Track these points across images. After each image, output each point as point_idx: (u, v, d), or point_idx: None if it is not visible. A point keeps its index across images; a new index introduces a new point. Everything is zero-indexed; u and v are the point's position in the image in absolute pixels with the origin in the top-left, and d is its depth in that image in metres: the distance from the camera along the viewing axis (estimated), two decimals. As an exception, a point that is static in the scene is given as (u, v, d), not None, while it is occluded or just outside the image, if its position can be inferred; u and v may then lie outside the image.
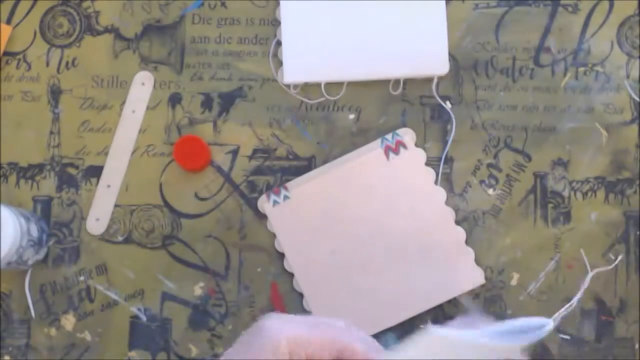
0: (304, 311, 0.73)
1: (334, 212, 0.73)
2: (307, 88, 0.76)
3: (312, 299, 0.73)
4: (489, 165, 0.75)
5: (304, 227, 0.73)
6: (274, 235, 0.74)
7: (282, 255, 0.74)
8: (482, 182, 0.75)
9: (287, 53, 0.75)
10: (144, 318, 0.74)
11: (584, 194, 0.75)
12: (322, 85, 0.75)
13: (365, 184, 0.74)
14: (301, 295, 0.73)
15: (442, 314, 0.73)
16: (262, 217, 0.74)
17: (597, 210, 0.75)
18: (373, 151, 0.74)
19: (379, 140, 0.74)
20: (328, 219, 0.73)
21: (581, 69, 0.76)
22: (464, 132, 0.75)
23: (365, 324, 0.72)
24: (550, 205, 0.75)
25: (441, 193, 0.74)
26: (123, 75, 0.76)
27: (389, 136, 0.74)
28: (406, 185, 0.74)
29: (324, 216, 0.73)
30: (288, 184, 0.74)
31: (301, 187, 0.74)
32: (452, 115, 0.75)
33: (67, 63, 0.76)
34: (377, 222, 0.73)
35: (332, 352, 0.48)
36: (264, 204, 0.74)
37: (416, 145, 0.75)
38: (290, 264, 0.73)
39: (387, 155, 0.74)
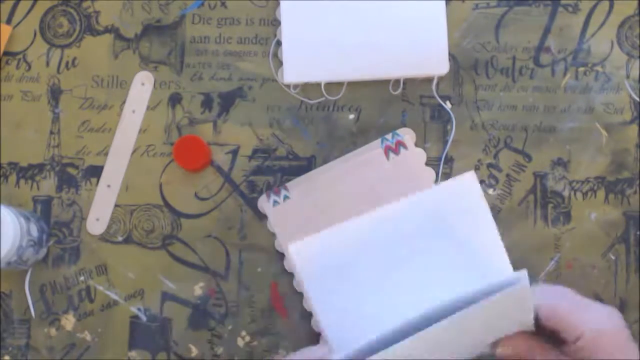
0: (304, 311, 0.73)
1: (334, 212, 0.73)
2: (307, 88, 0.76)
3: None
4: (489, 165, 0.75)
5: (304, 227, 0.73)
6: (274, 235, 0.74)
7: (282, 255, 0.74)
8: (482, 182, 0.75)
9: (287, 53, 0.75)
10: (144, 318, 0.74)
11: (584, 194, 0.75)
12: (322, 85, 0.75)
13: (365, 184, 0.74)
14: (301, 295, 0.73)
15: (442, 314, 0.73)
16: (262, 217, 0.74)
17: (597, 210, 0.75)
18: (373, 151, 0.74)
19: (379, 140, 0.74)
20: (328, 218, 0.73)
21: (581, 69, 0.76)
22: (464, 132, 0.75)
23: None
24: (550, 205, 0.75)
25: (441, 193, 0.74)
26: (123, 75, 0.76)
27: (388, 136, 0.74)
28: (406, 185, 0.74)
29: (324, 216, 0.73)
30: (288, 184, 0.74)
31: (301, 187, 0.74)
32: (452, 115, 0.75)
33: (67, 63, 0.76)
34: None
35: None
36: (264, 204, 0.74)
37: (416, 145, 0.75)
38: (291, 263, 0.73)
39: (387, 155, 0.74)
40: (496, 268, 0.55)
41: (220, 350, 0.73)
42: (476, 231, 0.55)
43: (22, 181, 0.75)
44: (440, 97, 0.76)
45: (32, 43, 0.76)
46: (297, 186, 0.74)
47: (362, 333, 0.53)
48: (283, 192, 0.74)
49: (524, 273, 0.51)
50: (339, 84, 0.76)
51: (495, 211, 0.74)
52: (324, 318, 0.56)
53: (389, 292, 0.56)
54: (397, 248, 0.56)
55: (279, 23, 0.76)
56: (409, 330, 0.51)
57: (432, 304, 0.53)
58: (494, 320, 0.53)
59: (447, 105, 0.76)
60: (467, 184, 0.55)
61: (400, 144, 0.74)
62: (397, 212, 0.56)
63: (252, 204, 0.75)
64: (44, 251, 0.74)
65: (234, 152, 0.75)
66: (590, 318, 0.55)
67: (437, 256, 0.55)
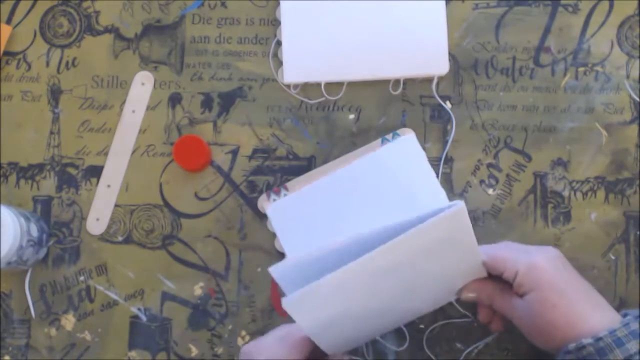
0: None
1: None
2: (307, 88, 0.76)
3: None
4: (489, 165, 0.75)
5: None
6: (274, 235, 0.74)
7: (282, 255, 0.74)
8: (482, 182, 0.75)
9: (287, 53, 0.75)
10: (144, 318, 0.74)
11: (584, 194, 0.75)
12: (322, 85, 0.75)
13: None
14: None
15: (442, 313, 0.73)
16: (262, 217, 0.74)
17: (597, 210, 0.75)
18: (373, 151, 0.74)
19: (379, 140, 0.74)
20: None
21: (581, 69, 0.76)
22: (464, 132, 0.75)
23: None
24: (550, 205, 0.75)
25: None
26: (123, 75, 0.76)
27: (389, 136, 0.74)
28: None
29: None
30: (288, 184, 0.74)
31: (301, 187, 0.74)
32: (452, 115, 0.75)
33: (67, 63, 0.76)
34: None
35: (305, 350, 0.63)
36: (264, 203, 0.74)
37: (416, 145, 0.75)
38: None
39: (387, 155, 0.74)
40: (434, 200, 0.70)
41: (220, 350, 0.73)
42: (417, 176, 0.69)
43: (22, 181, 0.75)
44: (440, 97, 0.75)
45: (32, 43, 0.76)
46: (297, 186, 0.74)
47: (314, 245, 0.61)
48: (283, 192, 0.74)
49: (459, 201, 0.59)
50: (339, 84, 0.76)
51: (495, 211, 0.74)
52: (289, 248, 0.71)
53: (342, 222, 0.70)
54: (351, 195, 0.71)
55: (279, 23, 0.76)
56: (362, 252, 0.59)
57: (378, 224, 0.60)
58: (440, 246, 0.60)
59: (447, 105, 0.75)
60: (408, 142, 0.72)
61: (400, 144, 0.74)
62: (350, 170, 0.72)
63: (252, 204, 0.75)
64: (44, 251, 0.74)
65: (234, 152, 0.75)
66: (525, 256, 0.64)
67: (384, 196, 0.68)
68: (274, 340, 0.65)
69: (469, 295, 0.67)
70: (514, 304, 0.64)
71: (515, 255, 0.65)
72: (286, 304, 0.59)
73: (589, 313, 0.62)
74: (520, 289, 0.63)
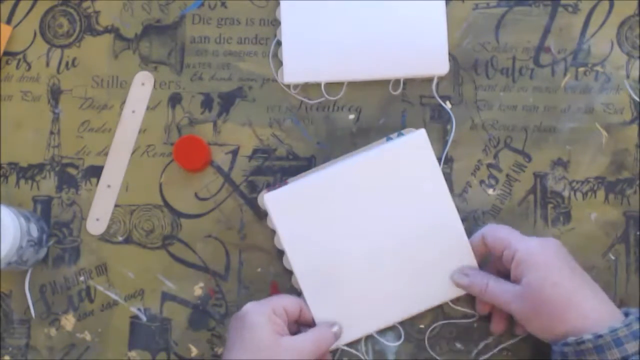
0: (304, 311, 0.73)
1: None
2: (307, 88, 0.76)
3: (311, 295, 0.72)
4: (489, 165, 0.75)
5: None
6: (273, 235, 0.74)
7: (282, 254, 0.73)
8: (482, 182, 0.75)
9: (287, 53, 0.75)
10: (144, 318, 0.74)
11: (584, 194, 0.75)
12: (322, 85, 0.75)
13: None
14: (301, 293, 0.73)
15: (442, 313, 0.73)
16: (262, 217, 0.74)
17: (597, 210, 0.75)
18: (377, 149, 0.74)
19: (384, 139, 0.74)
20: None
21: (581, 69, 0.76)
22: (464, 132, 0.75)
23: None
24: (550, 206, 0.75)
25: (441, 193, 0.75)
26: (123, 75, 0.76)
27: (393, 135, 0.74)
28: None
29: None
30: (289, 180, 0.74)
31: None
32: (452, 115, 0.75)
33: (67, 63, 0.76)
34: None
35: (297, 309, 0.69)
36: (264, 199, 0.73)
37: (417, 145, 0.75)
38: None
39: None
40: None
41: (220, 350, 0.73)
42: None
43: (22, 181, 0.75)
44: (440, 97, 0.76)
45: (32, 43, 0.76)
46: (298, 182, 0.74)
47: None
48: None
49: (421, 129, 0.71)
50: (339, 84, 0.76)
51: (495, 211, 0.74)
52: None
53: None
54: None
55: (279, 23, 0.76)
56: None
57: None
58: (403, 167, 0.71)
59: (447, 105, 0.75)
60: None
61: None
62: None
63: (252, 204, 0.75)
64: (44, 251, 0.74)
65: (234, 152, 0.75)
66: (524, 241, 0.67)
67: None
68: (267, 299, 0.69)
69: (461, 280, 0.70)
70: (509, 287, 0.66)
71: (516, 236, 0.67)
72: (267, 198, 0.70)
73: (590, 296, 0.63)
74: (518, 267, 0.65)
